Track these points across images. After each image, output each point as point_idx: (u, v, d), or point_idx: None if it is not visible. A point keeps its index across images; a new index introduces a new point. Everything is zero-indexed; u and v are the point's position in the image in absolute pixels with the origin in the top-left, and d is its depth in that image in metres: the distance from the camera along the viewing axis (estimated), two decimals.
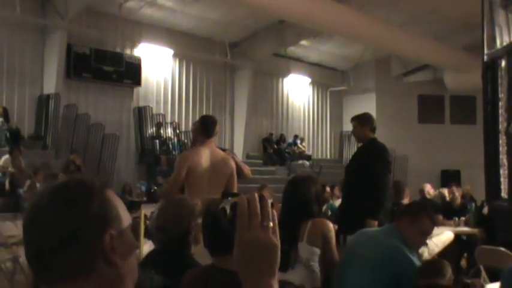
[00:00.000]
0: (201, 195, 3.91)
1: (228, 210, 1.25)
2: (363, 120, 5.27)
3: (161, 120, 14.98)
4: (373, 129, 5.25)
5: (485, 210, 8.03)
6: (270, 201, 1.15)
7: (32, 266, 1.10)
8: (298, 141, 18.28)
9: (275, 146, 17.72)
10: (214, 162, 4.66)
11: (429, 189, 9.31)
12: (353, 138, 15.94)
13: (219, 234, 1.96)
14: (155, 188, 12.83)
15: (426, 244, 3.50)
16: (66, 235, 1.07)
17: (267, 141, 17.71)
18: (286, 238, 2.81)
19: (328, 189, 10.54)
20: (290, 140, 18.28)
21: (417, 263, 3.23)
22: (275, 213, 1.16)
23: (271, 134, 17.92)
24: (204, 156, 4.65)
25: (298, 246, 3.47)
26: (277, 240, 1.13)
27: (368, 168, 4.94)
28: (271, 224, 1.13)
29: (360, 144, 5.45)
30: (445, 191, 9.43)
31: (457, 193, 8.61)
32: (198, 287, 2.25)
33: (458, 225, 7.97)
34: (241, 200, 1.14)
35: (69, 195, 1.10)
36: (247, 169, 5.36)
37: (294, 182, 3.89)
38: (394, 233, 3.35)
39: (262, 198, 1.15)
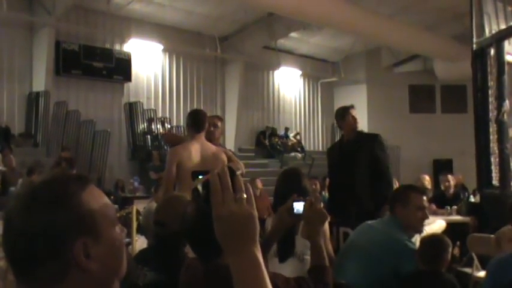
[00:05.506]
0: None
1: (200, 189, 1.26)
2: (339, 115, 5.29)
3: (152, 116, 14.95)
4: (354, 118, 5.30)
5: (477, 198, 8.05)
6: (238, 172, 1.16)
7: (12, 270, 1.09)
8: (291, 134, 18.26)
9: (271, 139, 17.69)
10: (204, 157, 4.63)
11: (429, 184, 9.27)
12: None
13: (204, 234, 1.78)
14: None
15: (427, 217, 3.54)
16: (34, 246, 1.03)
17: (262, 134, 17.68)
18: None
19: (318, 181, 10.63)
20: (282, 132, 18.26)
21: None
22: (249, 185, 1.18)
23: (267, 127, 17.89)
24: (194, 150, 4.61)
25: (295, 239, 3.46)
26: (253, 210, 1.15)
27: (378, 158, 5.08)
28: (244, 195, 1.14)
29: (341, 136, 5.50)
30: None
31: (447, 182, 8.62)
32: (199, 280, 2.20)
33: (450, 214, 8.00)
34: (213, 177, 1.15)
35: (39, 204, 1.05)
36: (240, 165, 5.34)
37: (285, 174, 3.87)
38: (394, 222, 3.41)
39: (232, 171, 1.16)
